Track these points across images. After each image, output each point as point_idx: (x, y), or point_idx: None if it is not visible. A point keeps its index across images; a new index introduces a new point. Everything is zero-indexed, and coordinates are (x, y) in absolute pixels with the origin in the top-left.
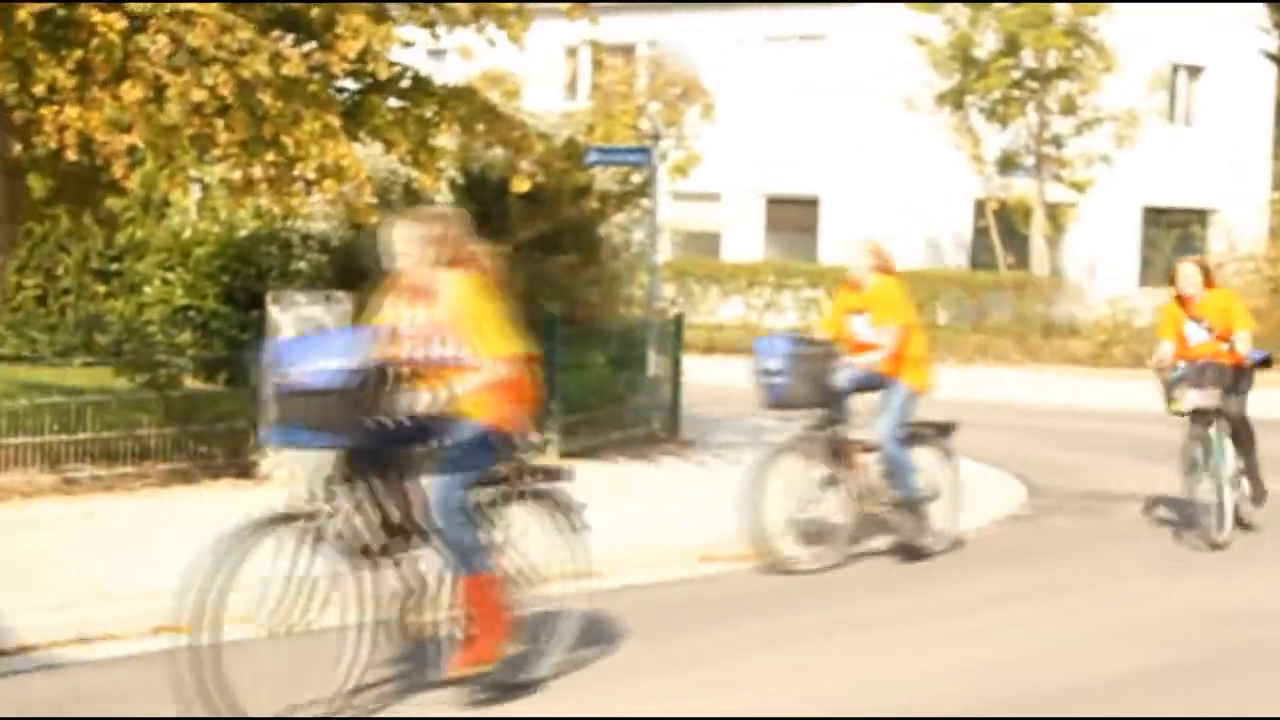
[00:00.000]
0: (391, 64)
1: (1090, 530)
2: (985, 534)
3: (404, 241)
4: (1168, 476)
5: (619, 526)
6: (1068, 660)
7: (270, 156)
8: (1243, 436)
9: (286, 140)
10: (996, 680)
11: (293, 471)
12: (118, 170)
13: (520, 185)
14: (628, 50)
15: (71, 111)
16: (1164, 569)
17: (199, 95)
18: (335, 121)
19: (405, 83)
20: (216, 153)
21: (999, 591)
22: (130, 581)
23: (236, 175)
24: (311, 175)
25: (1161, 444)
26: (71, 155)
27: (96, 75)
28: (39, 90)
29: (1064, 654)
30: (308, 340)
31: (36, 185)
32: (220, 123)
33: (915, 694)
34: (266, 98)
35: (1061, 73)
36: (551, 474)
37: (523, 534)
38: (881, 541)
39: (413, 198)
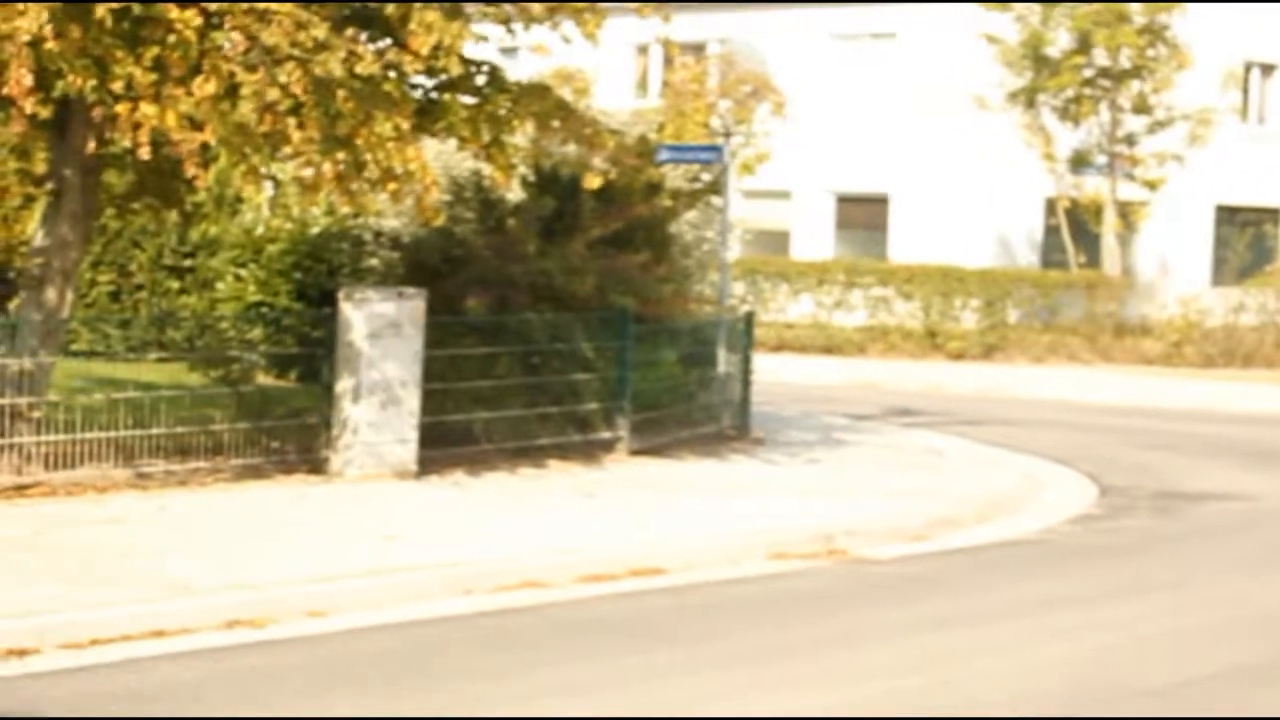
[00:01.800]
0: (465, 60)
1: (1164, 530)
2: (1057, 532)
3: None
4: (1240, 477)
5: (688, 523)
6: (1164, 656)
7: (341, 155)
8: None
9: (359, 141)
10: (1095, 675)
11: (363, 467)
12: (190, 168)
13: (592, 181)
14: (699, 48)
15: (148, 109)
16: (1245, 568)
17: (273, 94)
18: (406, 124)
19: (479, 80)
20: (288, 150)
21: (1085, 591)
22: (203, 575)
23: (308, 173)
24: (376, 175)
25: (1234, 444)
26: (145, 153)
27: (172, 72)
28: (116, 87)
29: (1159, 650)
30: None
31: (117, 181)
32: (292, 121)
33: (1008, 690)
34: (340, 98)
35: (1134, 71)
36: None
37: None
38: (957, 539)
39: (484, 194)
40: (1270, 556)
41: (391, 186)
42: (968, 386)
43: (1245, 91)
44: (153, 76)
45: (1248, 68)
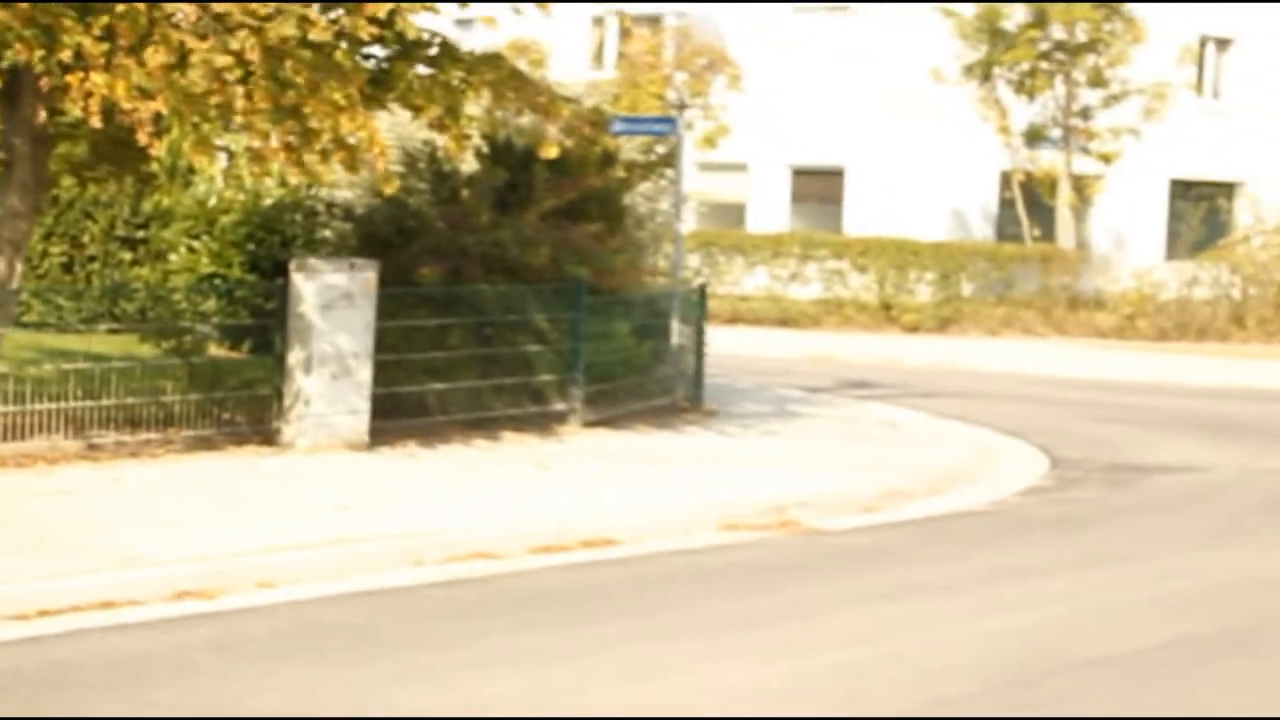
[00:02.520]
0: (419, 30)
1: (1116, 502)
2: (1009, 504)
3: None
4: (1193, 449)
5: (641, 495)
6: (1115, 627)
7: (290, 124)
8: None
9: (307, 110)
10: (1042, 646)
11: (315, 438)
12: (142, 136)
13: (549, 150)
14: (654, 20)
15: (98, 78)
16: (1197, 539)
17: (223, 61)
18: (355, 93)
19: (433, 49)
20: (238, 120)
21: (1035, 562)
22: (153, 547)
23: (257, 144)
24: (328, 146)
25: (1186, 417)
26: (96, 122)
27: (121, 41)
28: (65, 56)
29: (1109, 621)
30: None
31: (74, 150)
32: (240, 89)
33: (958, 660)
34: (290, 67)
35: (1090, 45)
36: None
37: None
38: (910, 511)
39: (438, 165)
40: (1222, 528)
41: (341, 156)
42: (922, 359)
43: (1200, 66)
44: (103, 46)
45: (1203, 42)
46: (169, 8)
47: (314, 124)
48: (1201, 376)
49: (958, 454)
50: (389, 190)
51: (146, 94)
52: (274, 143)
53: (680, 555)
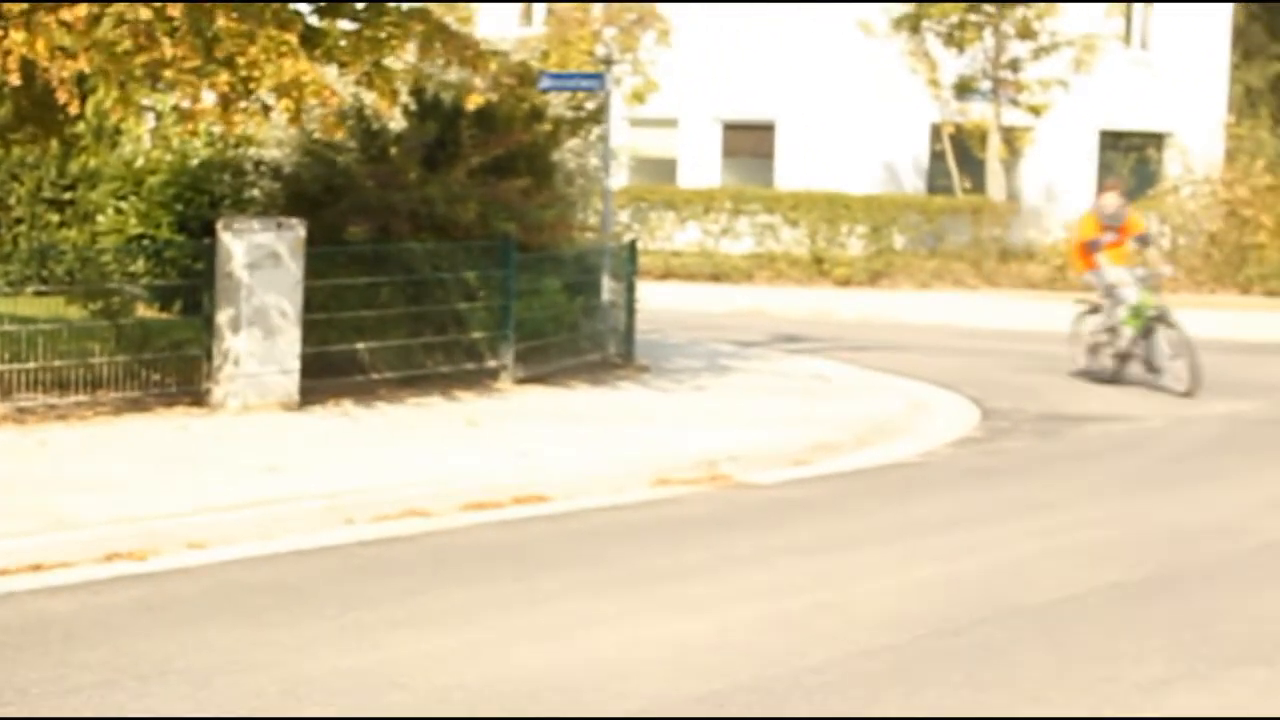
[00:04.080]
0: None
1: (1046, 451)
2: (939, 455)
3: None
4: (1122, 399)
5: (572, 451)
6: (1042, 576)
7: (224, 77)
8: None
9: (239, 60)
10: (970, 595)
11: (246, 398)
12: (63, 95)
13: (475, 100)
14: None
15: (16, 35)
16: (1125, 488)
17: (144, 14)
18: (293, 39)
19: (360, 4)
20: (168, 76)
21: (964, 512)
22: (82, 509)
23: (187, 103)
24: (268, 96)
25: None
26: (15, 80)
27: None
28: None
29: (1037, 570)
30: None
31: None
32: (167, 41)
33: (885, 611)
34: (220, 17)
35: None
36: None
37: None
38: (840, 463)
39: (366, 123)
40: (1150, 476)
41: (286, 103)
42: (854, 312)
43: (1128, 18)
44: (21, 5)
45: None
46: None
47: (253, 73)
48: None
49: (888, 406)
50: (336, 135)
51: (68, 52)
52: (207, 100)
53: (611, 510)
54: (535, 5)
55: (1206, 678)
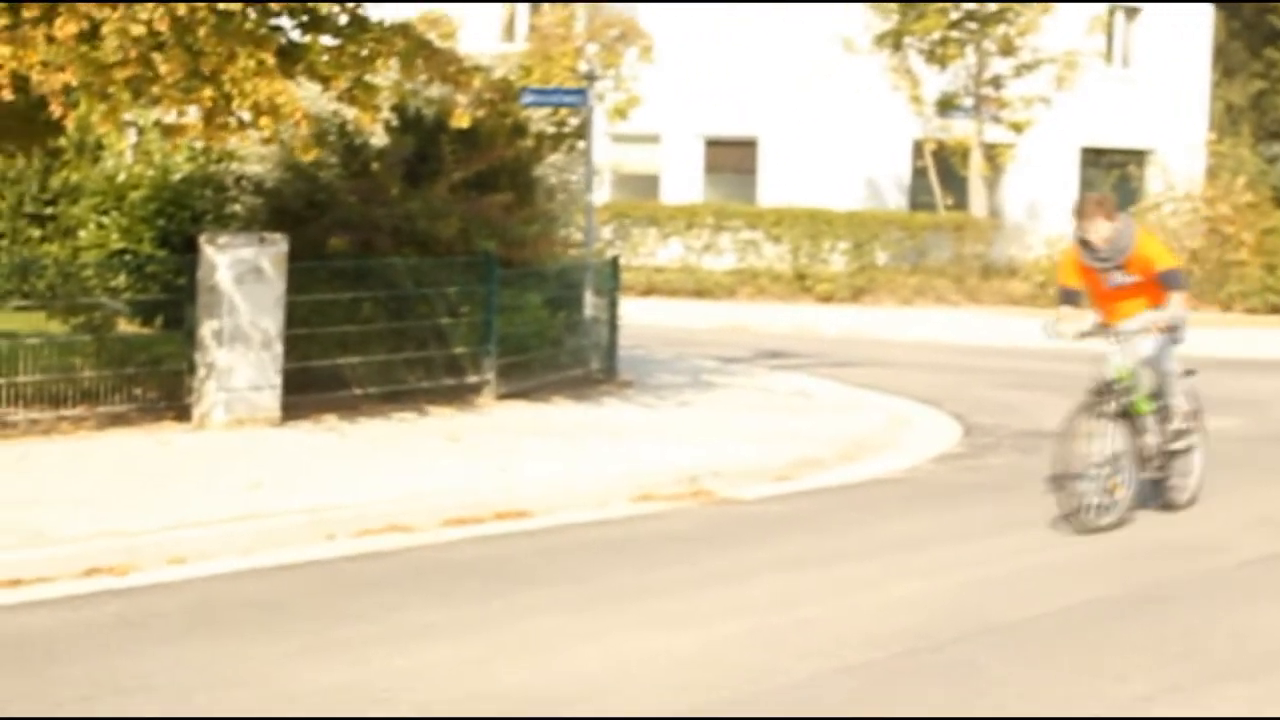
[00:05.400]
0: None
1: (1027, 467)
2: (921, 471)
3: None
4: None
5: (554, 466)
6: (1021, 592)
7: (207, 93)
8: None
9: (222, 77)
10: (951, 612)
11: (229, 413)
12: (56, 109)
13: (461, 119)
14: None
15: (4, 50)
16: None
17: (136, 30)
18: (270, 59)
19: (342, 20)
20: (155, 91)
21: (945, 529)
22: (63, 524)
23: (172, 116)
24: (247, 114)
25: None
26: (7, 95)
27: (24, 14)
28: None
29: (1017, 586)
30: None
31: None
32: (159, 56)
33: (865, 628)
34: (203, 34)
35: (1000, 14)
36: None
37: None
38: (823, 479)
39: (348, 139)
40: None
41: (264, 121)
42: (837, 329)
43: (1110, 35)
44: (6, 19)
45: (1112, 11)
46: None
47: (232, 90)
48: None
49: (871, 422)
50: (309, 157)
51: (56, 66)
52: (191, 115)
53: (593, 526)
54: (518, 21)
55: (1190, 694)
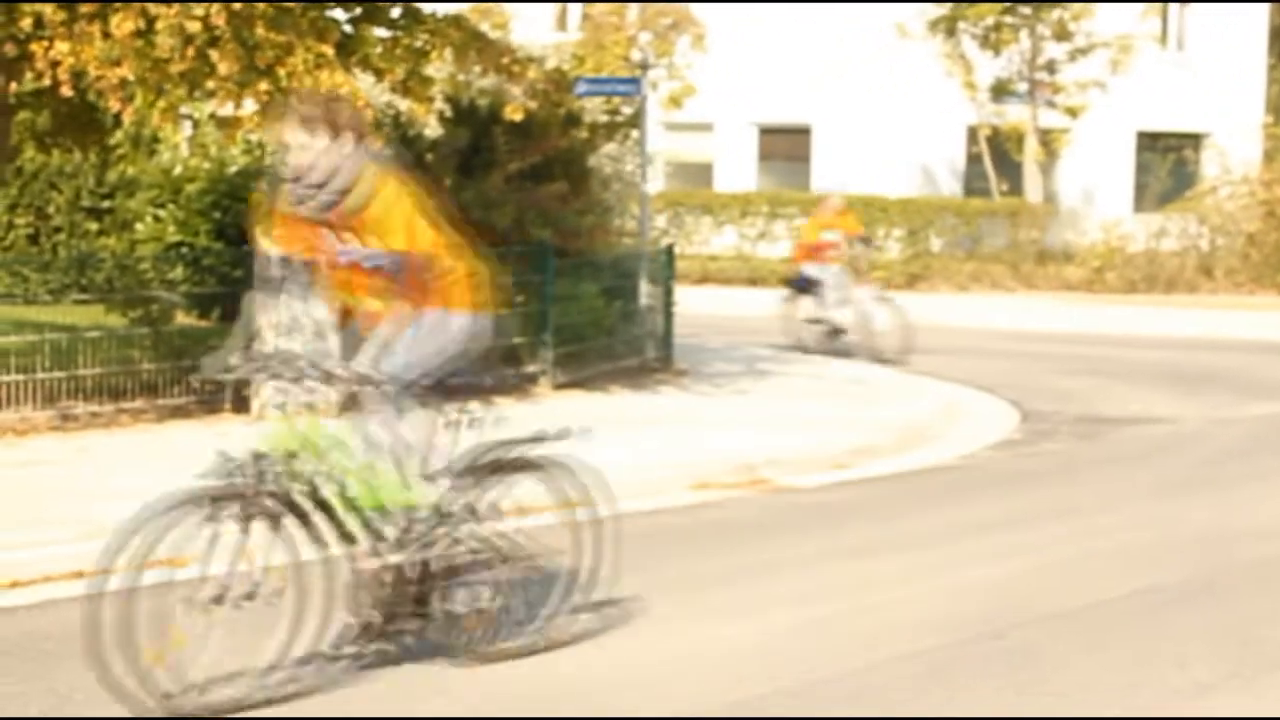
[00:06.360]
0: None
1: (1085, 454)
2: (978, 458)
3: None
4: (1161, 401)
5: (610, 455)
6: (1080, 579)
7: (263, 86)
8: None
9: (280, 70)
10: (1011, 598)
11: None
12: (114, 103)
13: (515, 112)
14: None
15: (62, 46)
16: (1164, 491)
17: (192, 26)
18: (330, 51)
19: (395, 12)
20: (210, 85)
21: (1004, 515)
22: (124, 516)
23: (228, 110)
24: None
25: (1154, 368)
26: (66, 91)
27: (82, 9)
28: (25, 25)
29: (1075, 573)
30: None
31: (37, 119)
32: (215, 54)
33: (923, 615)
34: (260, 29)
35: None
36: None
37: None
38: (879, 467)
39: (402, 130)
40: (1189, 479)
41: None
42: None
43: (1164, 18)
44: (63, 14)
45: None
46: None
47: (292, 83)
48: (1170, 328)
49: (927, 409)
50: (375, 147)
51: (112, 61)
52: (250, 107)
53: (650, 515)
54: (570, 10)
55: (1249, 681)
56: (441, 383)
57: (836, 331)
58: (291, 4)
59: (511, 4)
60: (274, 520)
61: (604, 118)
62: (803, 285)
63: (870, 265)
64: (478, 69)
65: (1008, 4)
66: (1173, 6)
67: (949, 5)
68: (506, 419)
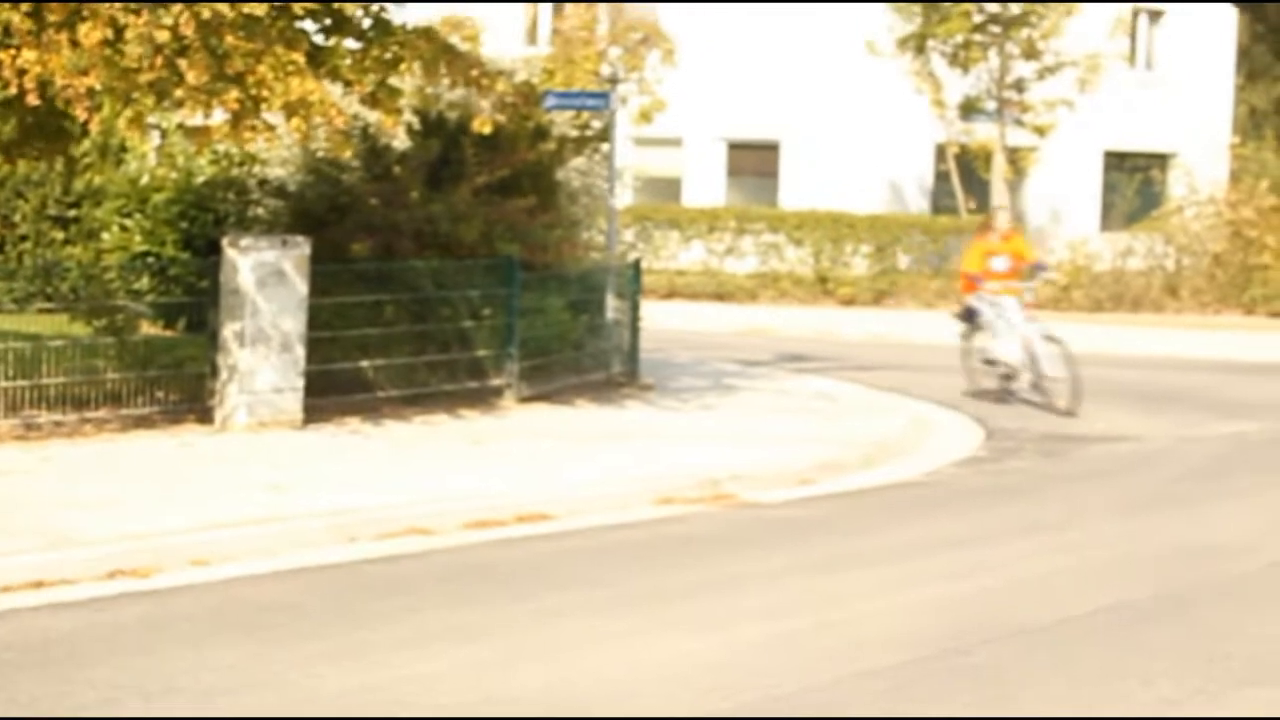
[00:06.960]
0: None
1: (1050, 471)
2: (943, 475)
3: None
4: (1126, 419)
5: (575, 469)
6: (1045, 596)
7: (233, 95)
8: None
9: (249, 79)
10: (977, 615)
11: (251, 415)
12: (81, 111)
13: (483, 126)
14: None
15: (29, 54)
16: (1130, 508)
17: (161, 35)
18: (300, 58)
19: (366, 23)
20: (179, 94)
21: (971, 532)
22: (86, 525)
23: (198, 119)
24: (277, 115)
25: (1120, 387)
26: (33, 99)
27: (49, 18)
28: None
29: (1041, 590)
30: None
31: (6, 128)
32: (184, 63)
33: (888, 631)
34: (229, 37)
35: (1023, 18)
36: None
37: None
38: (845, 482)
39: (371, 142)
40: (1154, 497)
41: (296, 121)
42: (858, 332)
43: (1133, 37)
44: (30, 23)
45: (1135, 14)
46: None
47: (262, 91)
48: (1136, 347)
49: (893, 425)
50: (345, 154)
51: (80, 70)
52: (219, 117)
53: (615, 529)
54: (541, 24)
55: (1216, 698)
56: None
57: (1008, 376)
58: (260, 9)
59: (482, 14)
60: None
61: (573, 132)
62: (971, 318)
63: (1036, 297)
64: (446, 81)
65: (977, 22)
66: (1142, 26)
67: (918, 23)
68: None
